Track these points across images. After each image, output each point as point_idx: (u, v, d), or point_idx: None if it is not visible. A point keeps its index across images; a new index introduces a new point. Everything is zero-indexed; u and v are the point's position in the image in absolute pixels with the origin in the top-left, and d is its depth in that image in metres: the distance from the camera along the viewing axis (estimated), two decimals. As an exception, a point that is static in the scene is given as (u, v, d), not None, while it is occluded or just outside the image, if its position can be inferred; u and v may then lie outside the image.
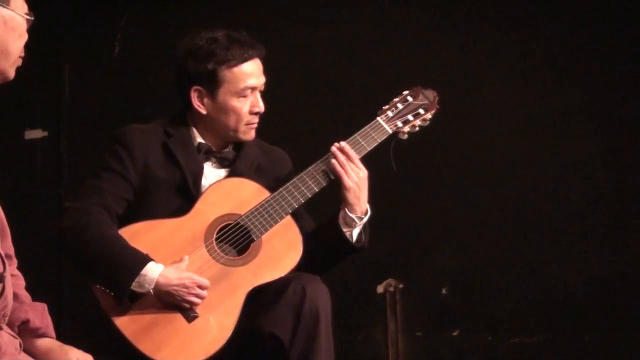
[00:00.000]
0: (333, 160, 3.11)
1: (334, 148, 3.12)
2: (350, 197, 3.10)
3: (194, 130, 3.17)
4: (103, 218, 2.98)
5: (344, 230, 3.11)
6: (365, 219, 3.14)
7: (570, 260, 4.23)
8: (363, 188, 3.12)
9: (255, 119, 3.15)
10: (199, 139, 3.17)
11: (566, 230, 4.24)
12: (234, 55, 3.09)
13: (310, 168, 3.13)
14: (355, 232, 3.14)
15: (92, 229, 2.94)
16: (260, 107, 3.15)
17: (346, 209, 3.11)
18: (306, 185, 3.10)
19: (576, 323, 4.21)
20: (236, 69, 3.10)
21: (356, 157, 3.12)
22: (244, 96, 3.12)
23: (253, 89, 3.13)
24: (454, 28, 4.44)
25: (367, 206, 3.14)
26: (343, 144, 3.13)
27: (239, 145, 3.20)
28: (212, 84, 3.11)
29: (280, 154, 3.32)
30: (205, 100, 3.13)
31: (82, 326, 3.12)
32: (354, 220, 3.12)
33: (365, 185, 3.13)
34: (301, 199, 3.09)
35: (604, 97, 4.22)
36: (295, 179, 3.12)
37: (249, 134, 3.16)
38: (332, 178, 3.12)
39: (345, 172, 3.10)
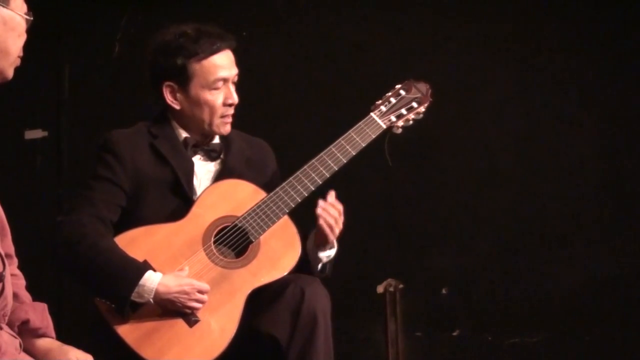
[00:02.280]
0: (321, 221, 3.07)
1: (319, 210, 3.08)
2: (327, 244, 3.11)
3: (177, 127, 3.17)
4: (97, 229, 2.96)
5: (312, 264, 3.13)
6: (332, 255, 3.15)
7: (570, 260, 4.23)
8: (339, 229, 3.13)
9: (230, 111, 3.14)
10: (184, 134, 3.16)
11: (566, 230, 4.24)
12: (203, 48, 3.08)
13: (305, 167, 3.12)
14: (320, 264, 3.16)
15: (86, 242, 2.92)
16: (234, 98, 3.13)
17: (317, 248, 3.12)
18: (302, 184, 3.10)
19: (576, 323, 4.21)
20: (205, 62, 3.09)
21: (341, 210, 3.10)
22: (216, 88, 3.10)
23: (225, 80, 3.11)
24: (452, 26, 4.43)
25: (335, 243, 3.15)
26: (330, 200, 3.10)
27: (225, 137, 3.19)
28: (183, 79, 3.10)
29: (263, 144, 3.32)
30: (178, 95, 3.12)
31: (82, 326, 3.12)
32: (321, 259, 3.14)
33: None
34: (298, 199, 3.08)
35: (604, 97, 4.22)
36: (291, 178, 3.11)
37: (224, 128, 3.15)
38: (328, 176, 3.12)
39: (332, 230, 3.09)
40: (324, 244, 3.11)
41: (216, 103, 3.11)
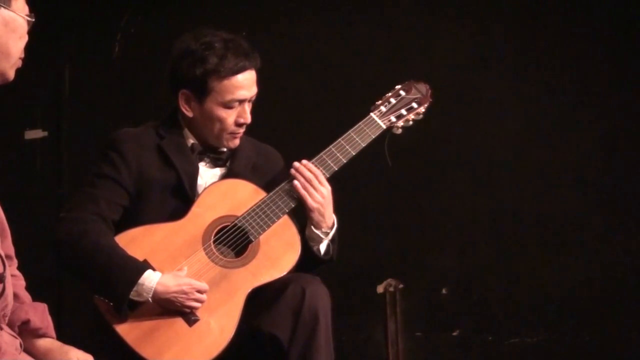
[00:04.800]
0: (295, 182, 3.07)
1: (292, 170, 3.09)
2: (315, 216, 3.08)
3: (186, 131, 3.15)
4: (98, 227, 2.95)
5: (312, 245, 3.10)
6: (332, 233, 3.12)
7: (570, 260, 4.23)
8: (327, 205, 3.10)
9: (240, 130, 3.12)
10: (192, 140, 3.15)
11: (566, 230, 4.24)
12: (226, 67, 3.03)
13: None
14: (323, 246, 3.12)
15: (87, 239, 2.92)
16: (247, 118, 3.10)
17: (312, 227, 3.09)
18: None
19: (576, 323, 4.21)
20: (226, 81, 3.05)
21: (319, 174, 3.09)
22: (231, 107, 3.07)
23: (241, 101, 3.09)
24: (452, 25, 4.43)
25: (334, 218, 3.13)
26: (304, 162, 3.10)
27: None
28: (200, 91, 3.06)
29: (273, 152, 3.30)
30: (193, 104, 3.10)
31: (82, 326, 3.12)
32: (319, 236, 3.10)
33: (330, 201, 3.10)
34: (298, 199, 3.08)
35: (604, 97, 4.22)
36: (291, 179, 3.10)
37: (232, 143, 3.13)
38: (328, 176, 3.11)
39: (309, 193, 3.07)
40: (315, 220, 3.08)
41: (228, 121, 3.08)
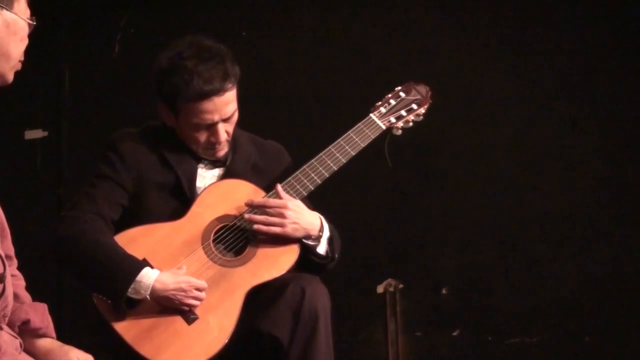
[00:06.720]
0: (258, 226, 3.02)
1: (246, 215, 3.03)
2: (298, 235, 3.04)
3: None
4: (98, 226, 2.96)
5: (310, 254, 3.07)
6: (324, 234, 3.09)
7: (570, 260, 4.23)
8: (300, 219, 3.04)
9: (216, 146, 3.08)
10: None
11: (566, 230, 4.25)
12: (191, 91, 2.99)
13: (305, 167, 3.12)
14: (322, 249, 3.10)
15: (86, 237, 2.92)
16: (218, 139, 3.05)
17: (302, 240, 3.06)
18: (302, 184, 3.10)
19: (576, 323, 4.21)
20: (191, 104, 3.01)
21: (274, 204, 3.03)
22: (199, 129, 3.05)
23: (209, 125, 3.04)
24: (453, 27, 4.44)
25: (317, 219, 3.08)
26: (248, 209, 3.05)
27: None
28: (172, 108, 3.06)
29: (277, 149, 3.28)
30: (170, 116, 3.09)
31: (82, 326, 3.13)
32: (314, 244, 3.07)
33: (300, 213, 3.04)
34: (296, 198, 3.08)
35: (604, 97, 4.22)
36: (290, 178, 3.10)
37: (212, 155, 3.12)
38: (327, 176, 3.11)
39: (277, 226, 3.01)
40: (300, 236, 3.04)
41: (199, 139, 3.07)
